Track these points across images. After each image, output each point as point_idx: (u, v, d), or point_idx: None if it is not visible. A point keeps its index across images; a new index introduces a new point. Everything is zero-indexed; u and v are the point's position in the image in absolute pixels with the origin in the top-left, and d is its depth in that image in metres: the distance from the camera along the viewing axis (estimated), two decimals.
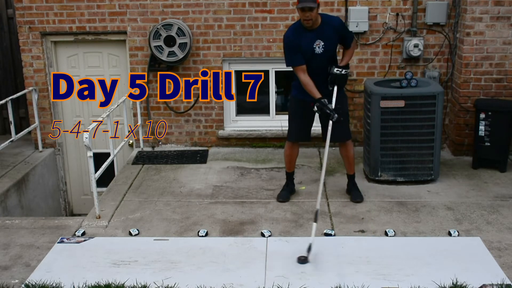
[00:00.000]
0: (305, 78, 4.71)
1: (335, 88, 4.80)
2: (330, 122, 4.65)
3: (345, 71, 4.79)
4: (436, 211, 4.91)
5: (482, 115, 5.77)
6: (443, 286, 3.68)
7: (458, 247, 4.24)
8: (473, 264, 3.98)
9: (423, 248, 4.23)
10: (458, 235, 4.43)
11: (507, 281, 3.73)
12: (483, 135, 5.79)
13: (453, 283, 3.70)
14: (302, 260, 4.06)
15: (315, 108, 4.68)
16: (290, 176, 5.33)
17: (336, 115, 4.60)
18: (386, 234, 4.49)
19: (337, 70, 4.77)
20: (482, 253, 4.15)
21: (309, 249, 4.10)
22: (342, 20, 4.92)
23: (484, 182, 5.55)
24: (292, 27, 4.78)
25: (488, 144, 5.79)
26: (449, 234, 4.46)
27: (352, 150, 5.16)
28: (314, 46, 4.71)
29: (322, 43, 4.71)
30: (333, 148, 6.63)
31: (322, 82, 4.79)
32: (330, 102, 4.71)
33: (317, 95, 4.66)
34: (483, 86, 6.12)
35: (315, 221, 4.28)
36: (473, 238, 4.38)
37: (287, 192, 5.27)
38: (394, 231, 4.50)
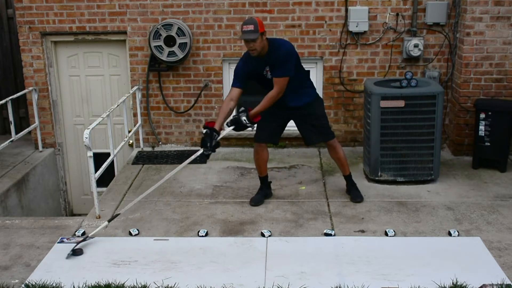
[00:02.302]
0: (226, 101, 4.74)
1: (229, 129, 4.74)
2: (200, 151, 4.60)
3: (250, 125, 4.72)
4: (436, 211, 4.91)
5: (482, 115, 5.77)
6: (443, 286, 3.68)
7: (458, 247, 4.24)
8: (473, 264, 3.98)
9: (423, 248, 4.23)
10: (458, 235, 4.43)
11: (507, 281, 3.73)
12: (483, 135, 5.79)
13: (453, 283, 3.70)
14: (78, 252, 4.21)
15: (203, 131, 4.62)
16: (263, 180, 5.24)
17: (210, 152, 4.55)
18: (386, 234, 4.49)
19: (244, 120, 4.68)
20: (482, 253, 4.15)
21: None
22: (287, 52, 4.66)
23: (484, 182, 5.55)
24: (246, 52, 4.74)
25: (488, 144, 5.79)
26: (449, 234, 4.46)
27: (341, 151, 5.11)
28: (265, 73, 4.73)
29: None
30: None
31: (281, 104, 4.75)
32: (217, 135, 4.59)
33: (217, 125, 4.61)
34: (483, 86, 6.12)
35: (109, 220, 4.52)
36: (473, 238, 4.37)
37: (261, 196, 5.18)
38: (394, 231, 4.50)
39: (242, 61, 4.78)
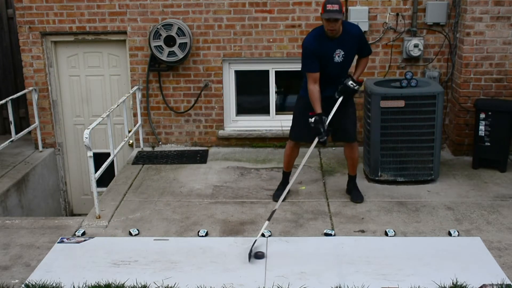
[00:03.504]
0: (314, 87, 4.66)
1: (340, 99, 4.78)
2: (316, 139, 4.64)
3: (358, 87, 4.78)
4: (436, 211, 4.91)
5: (482, 115, 5.77)
6: (443, 286, 3.68)
7: (458, 247, 4.24)
8: (473, 264, 3.98)
9: (423, 248, 4.23)
10: (458, 235, 4.43)
11: (507, 281, 3.73)
12: (483, 135, 5.79)
13: (453, 283, 3.70)
14: (260, 255, 4.13)
15: (311, 120, 4.62)
16: (287, 176, 5.32)
17: (326, 137, 4.59)
18: (386, 234, 4.49)
19: (351, 84, 4.75)
20: (482, 253, 4.15)
21: (253, 245, 4.18)
22: (361, 29, 4.86)
23: (484, 182, 5.55)
24: (313, 34, 4.70)
25: (488, 144, 5.79)
26: (449, 234, 4.46)
27: (357, 152, 5.14)
28: (334, 55, 4.68)
29: (342, 53, 4.68)
30: (333, 148, 6.67)
31: (334, 89, 4.78)
32: (328, 115, 4.69)
33: (319, 109, 4.63)
34: (483, 86, 6.12)
35: (268, 219, 4.41)
36: (473, 238, 4.38)
37: (282, 192, 5.23)
38: (394, 231, 4.50)
39: (313, 44, 4.64)
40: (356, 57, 4.94)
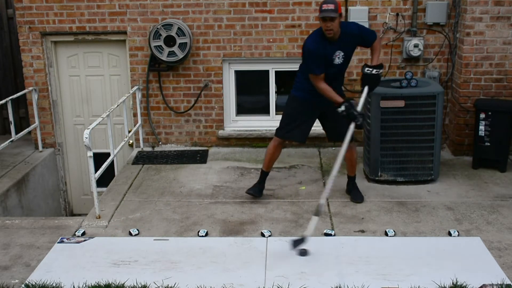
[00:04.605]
0: (324, 85, 4.64)
1: (366, 89, 4.69)
2: (352, 124, 4.51)
3: (376, 71, 4.65)
4: (436, 211, 4.91)
5: (482, 115, 5.77)
6: (443, 286, 3.68)
7: (458, 247, 4.24)
8: (473, 264, 3.98)
9: (423, 248, 4.23)
10: (458, 235, 4.43)
11: (507, 281, 3.73)
12: (483, 135, 5.79)
13: (453, 283, 3.70)
14: (302, 252, 4.10)
15: (342, 108, 4.51)
16: (265, 176, 5.24)
17: (361, 119, 4.50)
18: (386, 234, 4.49)
19: (367, 70, 4.67)
20: (482, 253, 4.15)
21: (302, 242, 4.11)
22: (357, 24, 4.84)
23: (484, 182, 5.55)
24: (314, 36, 4.67)
25: (488, 144, 5.79)
26: (449, 234, 4.46)
27: (355, 153, 5.15)
28: (334, 57, 4.68)
29: (342, 54, 4.69)
30: (333, 148, 6.67)
31: (335, 88, 4.75)
32: (354, 101, 4.60)
33: (340, 98, 4.60)
34: (483, 86, 6.12)
35: (317, 214, 4.23)
36: (473, 238, 4.38)
37: (259, 189, 5.21)
38: (394, 231, 4.50)
39: (315, 46, 4.60)
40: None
